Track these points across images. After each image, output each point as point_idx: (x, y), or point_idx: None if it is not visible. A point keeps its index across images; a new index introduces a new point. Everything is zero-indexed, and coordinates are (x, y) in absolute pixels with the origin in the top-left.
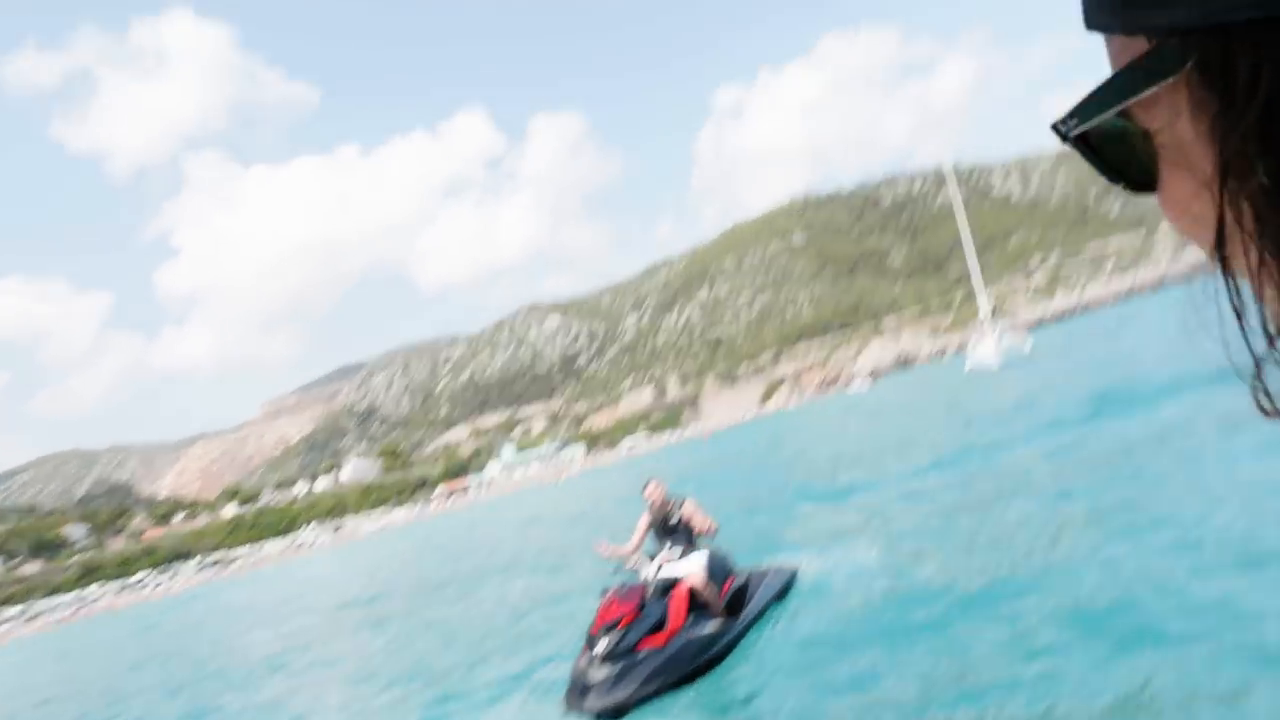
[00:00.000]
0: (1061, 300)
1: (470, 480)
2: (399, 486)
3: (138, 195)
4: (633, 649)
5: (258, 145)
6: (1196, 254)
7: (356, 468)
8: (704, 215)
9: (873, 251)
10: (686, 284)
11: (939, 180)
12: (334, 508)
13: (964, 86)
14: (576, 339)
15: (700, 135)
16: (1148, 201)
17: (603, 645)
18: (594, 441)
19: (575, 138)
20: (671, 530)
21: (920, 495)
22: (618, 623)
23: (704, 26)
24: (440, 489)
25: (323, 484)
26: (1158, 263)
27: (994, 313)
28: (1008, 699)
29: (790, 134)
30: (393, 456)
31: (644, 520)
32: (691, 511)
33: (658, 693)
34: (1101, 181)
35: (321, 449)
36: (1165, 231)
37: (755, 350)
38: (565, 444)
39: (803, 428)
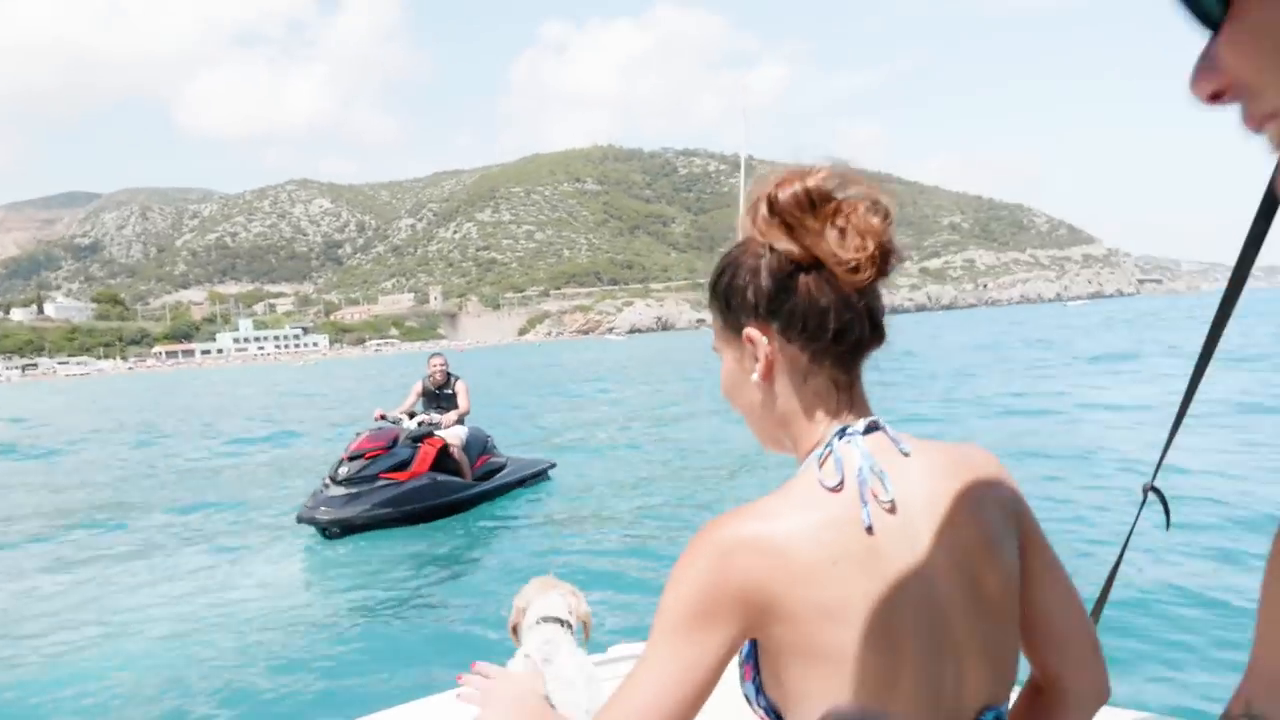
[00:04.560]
0: None
1: (197, 346)
2: (112, 336)
3: None
4: (373, 479)
5: None
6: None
7: (64, 306)
8: (503, 139)
9: (658, 216)
10: (471, 200)
11: (735, 166)
12: (29, 343)
13: (775, 88)
14: (345, 227)
15: (519, 59)
16: None
17: (344, 470)
18: (341, 334)
19: (391, 23)
20: (440, 400)
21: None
22: (363, 455)
23: None
24: (160, 348)
25: (20, 315)
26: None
27: None
28: None
29: (606, 84)
30: (111, 304)
31: (419, 385)
32: (461, 390)
33: (388, 521)
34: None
35: (26, 277)
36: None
37: (525, 282)
38: (309, 330)
39: (564, 360)
